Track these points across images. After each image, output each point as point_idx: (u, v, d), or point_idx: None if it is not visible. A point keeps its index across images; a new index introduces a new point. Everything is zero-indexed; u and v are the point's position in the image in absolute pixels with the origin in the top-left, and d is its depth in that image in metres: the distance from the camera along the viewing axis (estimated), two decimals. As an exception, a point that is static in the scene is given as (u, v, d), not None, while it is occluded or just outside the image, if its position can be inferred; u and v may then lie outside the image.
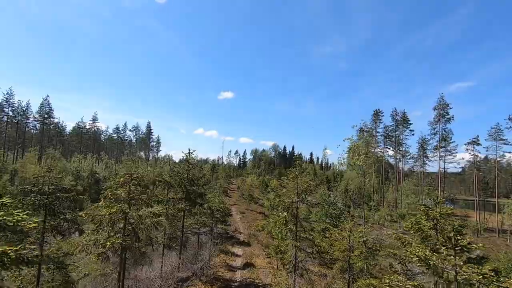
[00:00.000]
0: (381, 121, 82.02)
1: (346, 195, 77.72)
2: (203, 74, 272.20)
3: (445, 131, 58.49)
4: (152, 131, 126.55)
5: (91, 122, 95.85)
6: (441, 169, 61.78)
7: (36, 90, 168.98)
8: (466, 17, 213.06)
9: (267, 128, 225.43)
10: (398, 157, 78.81)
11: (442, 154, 59.92)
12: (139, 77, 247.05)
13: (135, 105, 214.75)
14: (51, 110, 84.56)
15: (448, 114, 57.42)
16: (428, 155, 62.94)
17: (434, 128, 59.61)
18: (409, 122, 66.80)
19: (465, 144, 55.38)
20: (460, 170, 79.92)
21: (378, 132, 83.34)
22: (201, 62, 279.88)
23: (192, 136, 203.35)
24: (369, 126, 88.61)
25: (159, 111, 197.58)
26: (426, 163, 63.48)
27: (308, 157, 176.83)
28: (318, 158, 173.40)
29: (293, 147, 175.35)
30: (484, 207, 58.83)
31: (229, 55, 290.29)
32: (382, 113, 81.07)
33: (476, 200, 57.34)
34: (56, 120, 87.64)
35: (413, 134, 66.36)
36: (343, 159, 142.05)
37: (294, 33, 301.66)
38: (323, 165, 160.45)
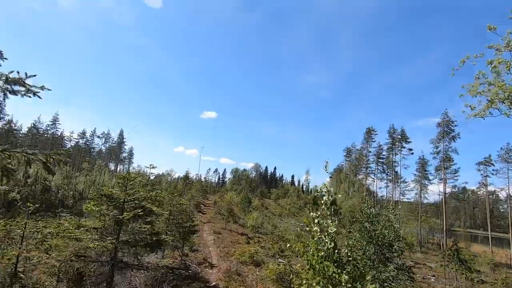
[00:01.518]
0: (374, 140, 75.44)
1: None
2: (187, 93, 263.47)
3: (448, 150, 51.58)
4: (124, 140, 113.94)
5: (51, 124, 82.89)
6: (441, 193, 54.38)
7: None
8: (443, 56, 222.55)
9: (249, 150, 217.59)
10: (389, 179, 71.43)
11: (445, 176, 52.67)
12: (120, 89, 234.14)
13: (113, 117, 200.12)
14: (1, 103, 71.59)
15: (453, 132, 50.87)
16: (429, 178, 55.45)
17: (437, 147, 52.68)
18: (408, 140, 60.02)
19: (476, 164, 48.78)
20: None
21: (370, 152, 76.33)
22: (187, 80, 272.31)
23: (172, 154, 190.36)
24: (359, 147, 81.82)
25: (139, 125, 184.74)
26: (426, 185, 55.81)
27: (289, 179, 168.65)
28: (299, 181, 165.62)
29: (275, 168, 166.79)
30: (490, 240, 51.22)
31: (215, 75, 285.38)
32: (375, 131, 74.64)
33: (490, 233, 49.57)
34: (8, 117, 74.30)
35: (412, 153, 59.23)
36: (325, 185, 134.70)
37: (279, 61, 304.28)
38: (305, 188, 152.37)
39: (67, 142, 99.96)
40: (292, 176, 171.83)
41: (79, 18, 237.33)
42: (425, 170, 56.15)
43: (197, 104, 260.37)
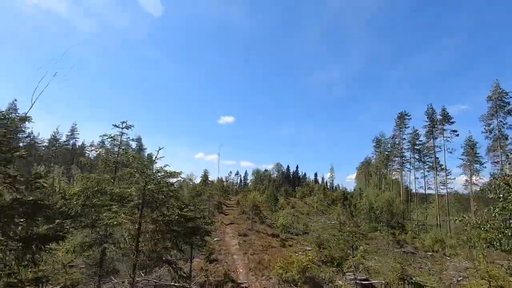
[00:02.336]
0: (407, 125, 67.70)
1: (370, 215, 61.52)
2: (203, 100, 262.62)
3: (503, 127, 43.67)
4: (144, 147, 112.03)
5: (69, 134, 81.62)
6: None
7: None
8: (459, 44, 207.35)
9: (268, 151, 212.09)
10: (428, 167, 63.35)
11: (501, 158, 44.67)
12: (138, 102, 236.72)
13: (133, 130, 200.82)
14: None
15: (508, 105, 43.04)
16: (481, 161, 47.47)
17: (489, 124, 44.80)
18: (451, 121, 52.19)
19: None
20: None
21: (403, 139, 68.56)
22: (201, 87, 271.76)
23: (193, 161, 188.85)
24: (391, 135, 73.89)
25: (158, 137, 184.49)
26: (477, 171, 47.83)
27: (312, 177, 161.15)
28: (322, 179, 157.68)
29: (297, 167, 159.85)
30: None
31: (229, 80, 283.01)
32: (409, 115, 66.90)
33: None
34: (28, 130, 73.59)
35: (457, 135, 51.35)
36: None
37: (291, 61, 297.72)
38: (330, 185, 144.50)
39: (88, 152, 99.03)
40: (315, 174, 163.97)
41: (97, 40, 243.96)
42: (475, 153, 48.22)
43: (213, 110, 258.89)
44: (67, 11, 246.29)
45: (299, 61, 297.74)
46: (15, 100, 67.49)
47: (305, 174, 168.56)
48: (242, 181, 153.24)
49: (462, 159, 51.44)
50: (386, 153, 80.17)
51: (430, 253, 33.87)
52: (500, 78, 65.66)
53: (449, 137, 52.57)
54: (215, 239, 19.12)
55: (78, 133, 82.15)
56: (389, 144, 75.72)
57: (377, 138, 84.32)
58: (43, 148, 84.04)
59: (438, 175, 65.25)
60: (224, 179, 77.38)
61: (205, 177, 49.35)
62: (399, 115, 68.30)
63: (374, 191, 68.63)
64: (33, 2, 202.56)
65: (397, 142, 70.92)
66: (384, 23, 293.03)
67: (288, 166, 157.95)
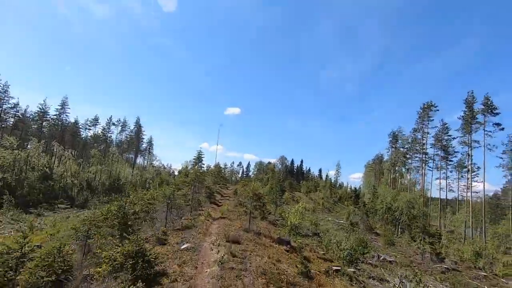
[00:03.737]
0: (432, 118, 58.48)
1: (386, 216, 53.00)
2: (211, 91, 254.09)
3: None
4: (142, 129, 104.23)
5: (59, 108, 73.67)
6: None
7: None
8: (476, 45, 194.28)
9: (273, 145, 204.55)
10: (459, 166, 54.48)
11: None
12: (146, 90, 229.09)
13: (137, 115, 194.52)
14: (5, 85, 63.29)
15: None
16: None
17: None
18: (496, 111, 42.85)
19: None
20: None
21: (427, 133, 59.40)
22: (209, 77, 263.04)
23: (196, 150, 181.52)
24: (414, 127, 64.34)
25: (166, 124, 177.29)
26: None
27: (317, 173, 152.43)
28: (327, 175, 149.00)
29: (301, 162, 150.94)
30: None
31: (237, 72, 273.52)
32: (436, 107, 57.59)
33: None
34: (13, 100, 65.80)
35: (502, 129, 42.17)
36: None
37: (302, 56, 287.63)
38: (333, 182, 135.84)
39: (82, 129, 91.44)
40: (320, 170, 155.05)
41: (111, 25, 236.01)
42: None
43: (220, 101, 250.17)
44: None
45: (310, 55, 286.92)
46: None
47: (309, 169, 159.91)
48: (245, 172, 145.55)
49: (502, 157, 42.44)
50: (404, 149, 70.98)
51: (483, 273, 25.25)
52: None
53: (491, 132, 43.38)
54: (183, 246, 10.80)
55: (69, 108, 74.23)
56: (409, 139, 66.45)
57: (394, 133, 75.04)
58: (30, 120, 76.46)
59: (462, 176, 56.38)
60: (223, 166, 68.46)
61: (198, 159, 40.92)
62: (424, 105, 59.03)
63: (390, 191, 59.94)
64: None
65: (418, 137, 61.71)
66: (401, 18, 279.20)
67: (292, 160, 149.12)
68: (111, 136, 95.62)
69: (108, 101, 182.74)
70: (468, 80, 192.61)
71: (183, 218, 18.92)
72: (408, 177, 67.77)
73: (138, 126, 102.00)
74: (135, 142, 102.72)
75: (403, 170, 72.08)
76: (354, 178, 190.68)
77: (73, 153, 79.05)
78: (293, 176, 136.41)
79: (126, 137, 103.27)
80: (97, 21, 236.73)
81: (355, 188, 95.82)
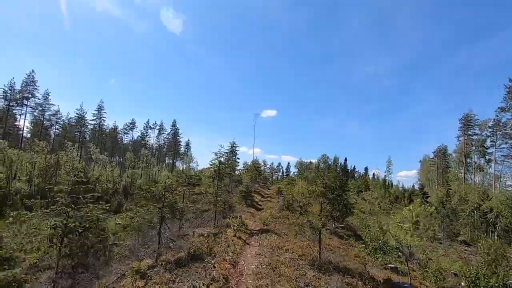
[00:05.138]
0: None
1: (474, 220, 40.42)
2: (246, 94, 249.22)
3: None
4: (179, 132, 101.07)
5: (96, 113, 72.34)
6: None
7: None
8: None
9: (311, 146, 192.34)
10: None
11: None
12: (183, 102, 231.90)
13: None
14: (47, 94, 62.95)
15: None
16: None
17: None
18: None
19: None
20: None
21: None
22: (245, 83, 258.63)
23: (229, 142, 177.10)
24: (502, 106, 50.02)
25: (203, 132, 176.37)
26: None
27: (362, 171, 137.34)
28: (373, 174, 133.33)
29: (345, 160, 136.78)
30: None
31: (271, 75, 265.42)
32: (534, 76, 43.42)
33: None
34: (53, 108, 65.55)
35: None
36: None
37: (334, 54, 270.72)
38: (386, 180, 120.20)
39: (121, 134, 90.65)
40: (366, 168, 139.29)
41: (150, 41, 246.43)
42: None
43: (256, 104, 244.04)
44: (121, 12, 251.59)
45: (342, 53, 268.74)
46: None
47: (354, 167, 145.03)
48: (284, 173, 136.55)
49: None
50: (481, 136, 56.43)
51: None
52: None
53: None
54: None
55: (105, 112, 72.74)
56: (491, 122, 52.26)
57: (467, 116, 60.55)
58: (70, 126, 76.26)
59: None
60: (262, 163, 58.76)
61: (231, 152, 32.60)
62: (514, 79, 45.20)
63: (473, 187, 46.74)
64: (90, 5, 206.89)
65: (508, 118, 47.64)
66: (440, 5, 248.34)
67: (335, 158, 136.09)
68: (149, 139, 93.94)
69: (145, 112, 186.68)
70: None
71: (196, 231, 11.18)
72: (492, 170, 53.26)
73: (175, 129, 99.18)
74: (172, 145, 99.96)
75: (482, 162, 57.39)
76: (400, 176, 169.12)
77: (113, 159, 77.74)
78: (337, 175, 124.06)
79: (164, 141, 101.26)
80: (135, 35, 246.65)
81: (419, 186, 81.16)
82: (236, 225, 12.42)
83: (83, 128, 70.94)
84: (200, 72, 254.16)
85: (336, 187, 23.26)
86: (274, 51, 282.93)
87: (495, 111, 50.65)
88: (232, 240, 10.45)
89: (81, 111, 68.52)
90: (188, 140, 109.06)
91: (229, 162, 31.21)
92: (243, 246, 10.11)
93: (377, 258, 12.38)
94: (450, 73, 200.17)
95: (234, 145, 32.48)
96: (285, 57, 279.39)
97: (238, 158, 33.23)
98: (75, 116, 69.74)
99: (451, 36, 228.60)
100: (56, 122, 68.14)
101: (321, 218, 10.62)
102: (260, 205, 22.88)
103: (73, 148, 53.21)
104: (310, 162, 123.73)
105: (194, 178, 25.75)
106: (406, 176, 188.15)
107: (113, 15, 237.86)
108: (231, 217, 13.37)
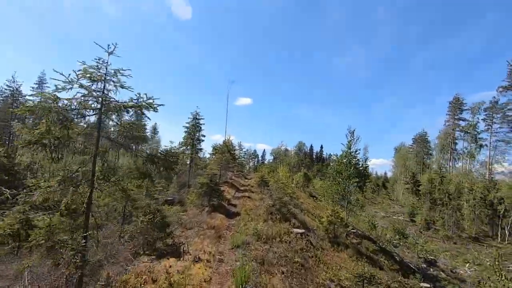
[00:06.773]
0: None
1: (479, 212, 35.04)
2: (221, 81, 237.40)
3: None
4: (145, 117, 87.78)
5: (36, 86, 58.09)
6: None
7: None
8: (491, 26, 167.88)
9: (286, 135, 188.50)
10: None
11: None
12: (158, 83, 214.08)
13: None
14: None
15: None
16: None
17: None
18: None
19: None
20: None
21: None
22: (220, 69, 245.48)
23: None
24: (504, 84, 44.69)
25: (176, 117, 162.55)
26: None
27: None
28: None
29: (321, 147, 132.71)
30: None
31: (249, 63, 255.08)
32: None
33: None
34: None
35: None
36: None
37: (311, 46, 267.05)
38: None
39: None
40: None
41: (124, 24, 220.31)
42: None
43: (231, 92, 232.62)
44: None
45: (319, 44, 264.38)
46: None
47: (330, 155, 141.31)
48: (260, 161, 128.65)
49: None
50: (473, 120, 51.62)
51: None
52: None
53: None
54: None
55: (48, 87, 58.48)
56: (489, 103, 47.27)
57: (457, 99, 55.60)
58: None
59: None
60: (236, 144, 46.16)
61: (194, 126, 22.53)
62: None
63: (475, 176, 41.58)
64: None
65: (509, 99, 42.63)
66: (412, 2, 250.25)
67: (311, 146, 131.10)
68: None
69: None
70: (491, 56, 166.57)
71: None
72: (488, 157, 48.55)
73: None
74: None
75: (473, 147, 52.74)
76: (374, 164, 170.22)
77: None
78: (313, 163, 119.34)
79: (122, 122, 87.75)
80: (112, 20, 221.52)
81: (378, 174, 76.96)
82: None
83: (15, 104, 56.65)
84: (181, 59, 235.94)
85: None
86: (255, 39, 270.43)
87: (496, 91, 45.45)
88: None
89: (13, 82, 54.13)
90: (156, 124, 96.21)
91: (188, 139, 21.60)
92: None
93: None
94: (419, 67, 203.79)
95: (198, 116, 22.80)
96: (265, 44, 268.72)
97: (204, 136, 23.86)
98: (7, 90, 55.19)
99: (424, 31, 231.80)
100: None
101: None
102: (235, 205, 14.16)
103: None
104: (287, 150, 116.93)
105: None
106: (376, 164, 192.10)
107: None
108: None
